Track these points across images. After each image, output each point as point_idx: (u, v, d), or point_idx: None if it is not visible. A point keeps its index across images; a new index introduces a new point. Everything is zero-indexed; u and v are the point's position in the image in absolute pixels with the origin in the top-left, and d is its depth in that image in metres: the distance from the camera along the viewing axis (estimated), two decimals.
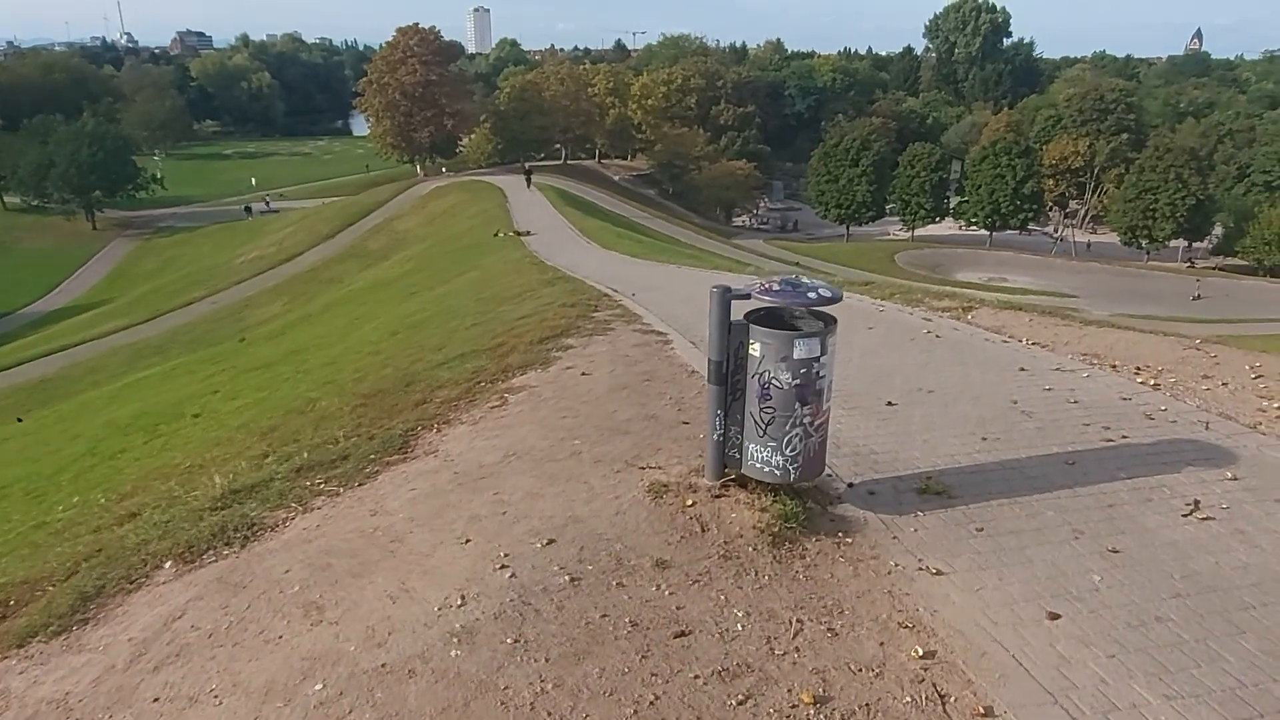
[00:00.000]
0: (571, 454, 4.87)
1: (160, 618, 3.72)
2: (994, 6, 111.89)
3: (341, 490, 4.81)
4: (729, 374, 4.08)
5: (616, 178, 77.04)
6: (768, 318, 4.13)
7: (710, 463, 4.29)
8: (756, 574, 3.71)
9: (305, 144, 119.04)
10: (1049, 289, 51.03)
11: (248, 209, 70.14)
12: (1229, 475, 4.63)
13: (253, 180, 79.66)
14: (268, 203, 71.71)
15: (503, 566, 3.62)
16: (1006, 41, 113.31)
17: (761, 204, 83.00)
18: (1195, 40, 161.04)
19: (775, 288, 3.97)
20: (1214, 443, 5.07)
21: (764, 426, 4.02)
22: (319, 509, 4.59)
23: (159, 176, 75.28)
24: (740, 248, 55.04)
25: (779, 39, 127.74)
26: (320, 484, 4.96)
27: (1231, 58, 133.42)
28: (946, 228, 69.99)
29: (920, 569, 3.80)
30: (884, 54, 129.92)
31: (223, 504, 5.09)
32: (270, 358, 20.24)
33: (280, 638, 3.36)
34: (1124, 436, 5.17)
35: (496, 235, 31.21)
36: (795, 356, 3.88)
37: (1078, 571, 3.77)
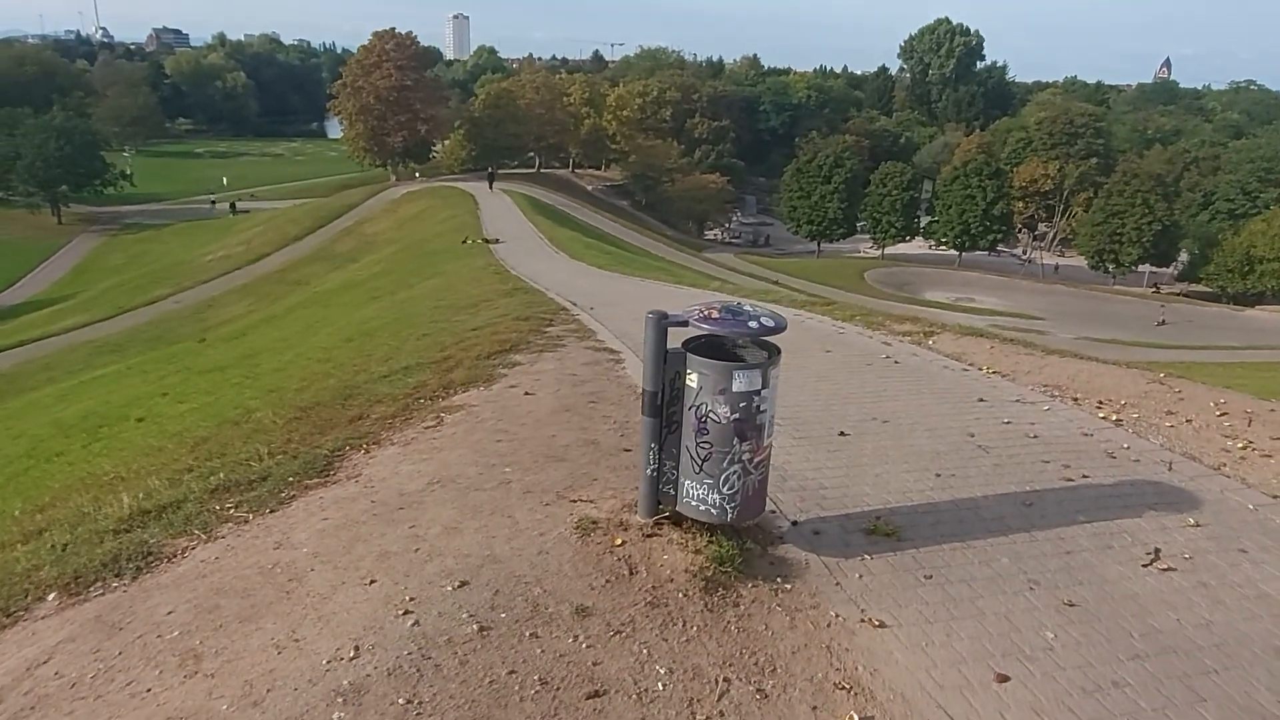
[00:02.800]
0: (500, 483, 4.55)
1: (25, 661, 3.35)
2: (968, 30, 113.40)
3: (251, 517, 4.44)
4: (664, 405, 3.80)
5: (589, 187, 76.84)
6: (708, 346, 3.85)
7: (644, 499, 3.99)
8: (684, 624, 3.42)
9: (277, 145, 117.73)
10: (1016, 310, 51.55)
11: (233, 206, 69.44)
12: (1191, 521, 4.42)
13: (224, 179, 78.48)
14: (213, 204, 71.10)
15: (406, 613, 3.29)
16: (980, 64, 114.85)
17: (734, 218, 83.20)
18: (1164, 69, 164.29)
19: (715, 315, 3.69)
20: (1177, 485, 4.86)
21: (700, 462, 3.73)
22: (223, 538, 4.22)
23: (128, 173, 73.98)
24: (711, 261, 55.03)
25: (755, 54, 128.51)
26: (231, 508, 4.59)
27: (1199, 87, 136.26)
28: (916, 246, 70.53)
29: (863, 621, 3.53)
30: (859, 73, 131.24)
31: (126, 526, 4.71)
32: (225, 360, 19.68)
33: (148, 691, 3.01)
34: (1084, 476, 4.95)
35: (465, 242, 30.78)
36: (734, 389, 3.60)
37: (1031, 627, 3.51)
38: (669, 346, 3.81)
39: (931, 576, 3.86)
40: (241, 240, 55.08)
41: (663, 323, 3.74)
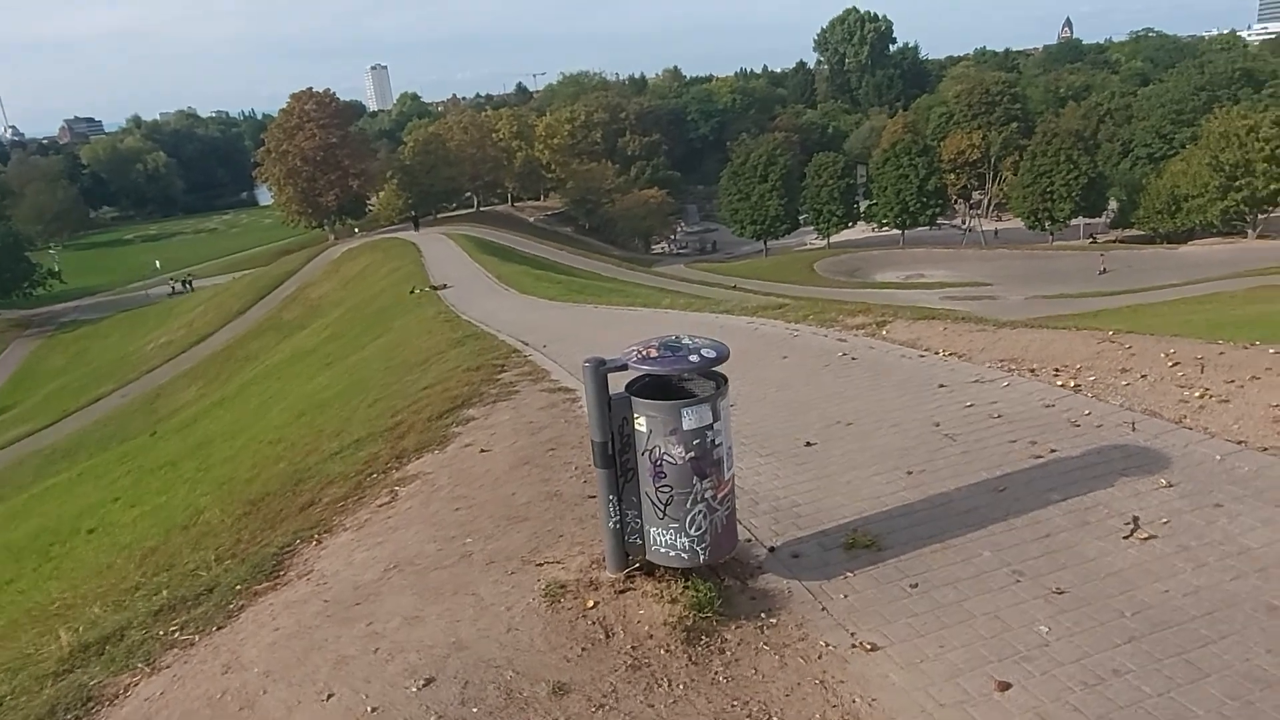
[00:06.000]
0: (461, 557, 4.33)
1: None
2: (876, 16, 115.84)
3: (197, 638, 4.17)
4: (616, 454, 3.63)
5: (531, 219, 76.79)
6: (653, 386, 3.69)
7: (610, 554, 3.81)
8: (669, 683, 3.23)
9: (210, 219, 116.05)
10: (965, 279, 52.38)
11: (187, 284, 68.51)
12: (1163, 482, 4.35)
13: (157, 263, 76.98)
14: (172, 289, 70.43)
15: None
16: (893, 48, 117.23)
17: (678, 229, 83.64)
18: (1066, 29, 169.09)
19: (654, 354, 3.53)
20: (1143, 445, 4.80)
21: (663, 507, 3.57)
22: (168, 668, 3.94)
23: (57, 270, 72.42)
24: (662, 275, 55.14)
25: (676, 66, 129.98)
26: (175, 631, 4.31)
27: (1101, 41, 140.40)
28: (860, 232, 71.44)
29: (854, 646, 3.37)
30: (779, 70, 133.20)
31: (67, 667, 4.41)
32: (176, 453, 19.13)
33: None
34: (1052, 451, 4.87)
35: (413, 292, 30.37)
36: (685, 427, 3.45)
37: (1023, 623, 3.38)
38: (612, 392, 3.65)
39: (917, 585, 3.73)
40: (183, 323, 54.04)
41: (601, 370, 3.58)
